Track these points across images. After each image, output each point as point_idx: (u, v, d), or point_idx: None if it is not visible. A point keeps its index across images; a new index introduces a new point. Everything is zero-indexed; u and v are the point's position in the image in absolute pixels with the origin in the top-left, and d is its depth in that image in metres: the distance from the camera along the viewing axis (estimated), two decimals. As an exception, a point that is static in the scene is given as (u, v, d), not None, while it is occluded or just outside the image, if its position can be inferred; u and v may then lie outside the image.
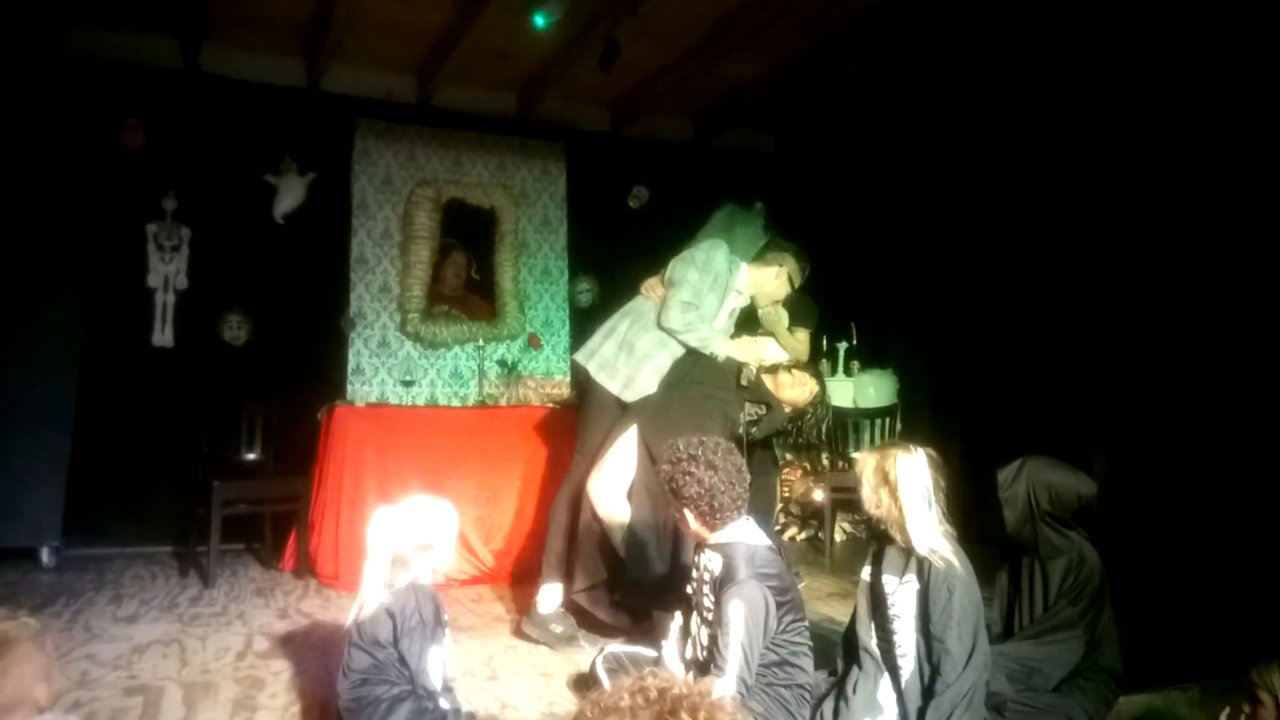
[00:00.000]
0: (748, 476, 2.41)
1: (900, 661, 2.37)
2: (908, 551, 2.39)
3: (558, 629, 3.36)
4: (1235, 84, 4.33)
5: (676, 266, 3.58)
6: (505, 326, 5.95)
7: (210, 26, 5.12)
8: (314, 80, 5.62)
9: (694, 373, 3.46)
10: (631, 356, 3.48)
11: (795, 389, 3.63)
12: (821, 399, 3.79)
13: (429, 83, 5.79)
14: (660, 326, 3.49)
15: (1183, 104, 4.57)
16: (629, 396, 3.44)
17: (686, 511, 2.39)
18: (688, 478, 2.35)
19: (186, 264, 5.29)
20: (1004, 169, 5.55)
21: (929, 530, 2.36)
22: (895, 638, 2.38)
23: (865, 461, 2.48)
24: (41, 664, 1.68)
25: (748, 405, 3.59)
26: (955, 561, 2.34)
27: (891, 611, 2.39)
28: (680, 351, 3.49)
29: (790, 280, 3.78)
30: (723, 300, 3.62)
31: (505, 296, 6.02)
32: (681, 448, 2.41)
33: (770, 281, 3.76)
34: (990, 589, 2.79)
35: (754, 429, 3.66)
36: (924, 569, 2.34)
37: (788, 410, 3.70)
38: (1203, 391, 4.46)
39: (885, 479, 2.39)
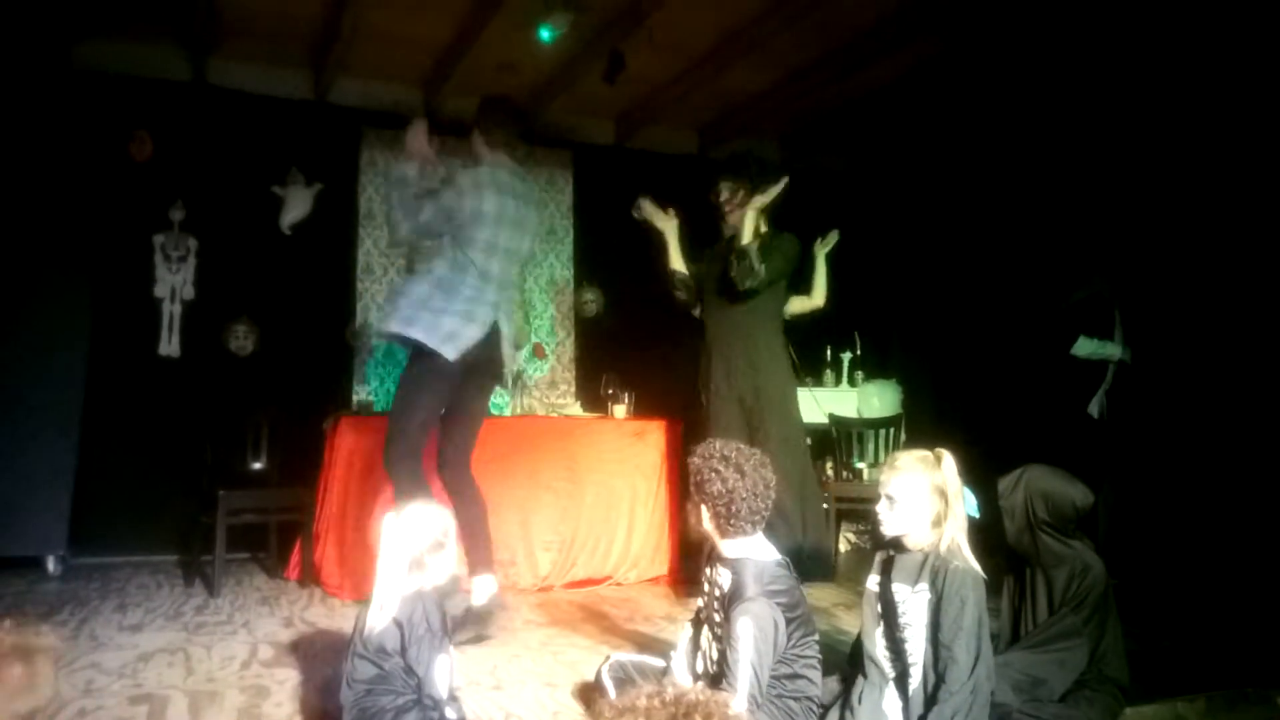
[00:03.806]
0: (773, 495, 2.41)
1: (911, 671, 2.37)
2: (922, 561, 2.39)
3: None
4: (1238, 102, 4.34)
5: None
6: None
7: (218, 39, 5.16)
8: (321, 92, 5.67)
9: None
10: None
11: None
12: None
13: (435, 95, 5.83)
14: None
15: (1195, 119, 4.57)
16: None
17: (703, 508, 2.40)
18: (714, 474, 2.35)
19: (194, 274, 5.33)
20: (1009, 181, 5.56)
21: (963, 532, 2.37)
22: (906, 646, 2.37)
23: (913, 484, 2.39)
24: (44, 685, 1.56)
25: None
26: (973, 570, 2.34)
27: (902, 620, 2.39)
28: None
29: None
30: None
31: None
32: (717, 446, 2.42)
33: None
34: (994, 599, 2.79)
35: None
36: (938, 578, 2.34)
37: None
38: (1209, 401, 4.45)
39: (941, 492, 2.38)
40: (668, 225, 4.31)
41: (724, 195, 4.17)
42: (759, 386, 4.08)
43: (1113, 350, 4.85)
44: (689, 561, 4.62)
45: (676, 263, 4.33)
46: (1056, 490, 2.67)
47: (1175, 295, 4.67)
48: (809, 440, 5.13)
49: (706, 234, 4.57)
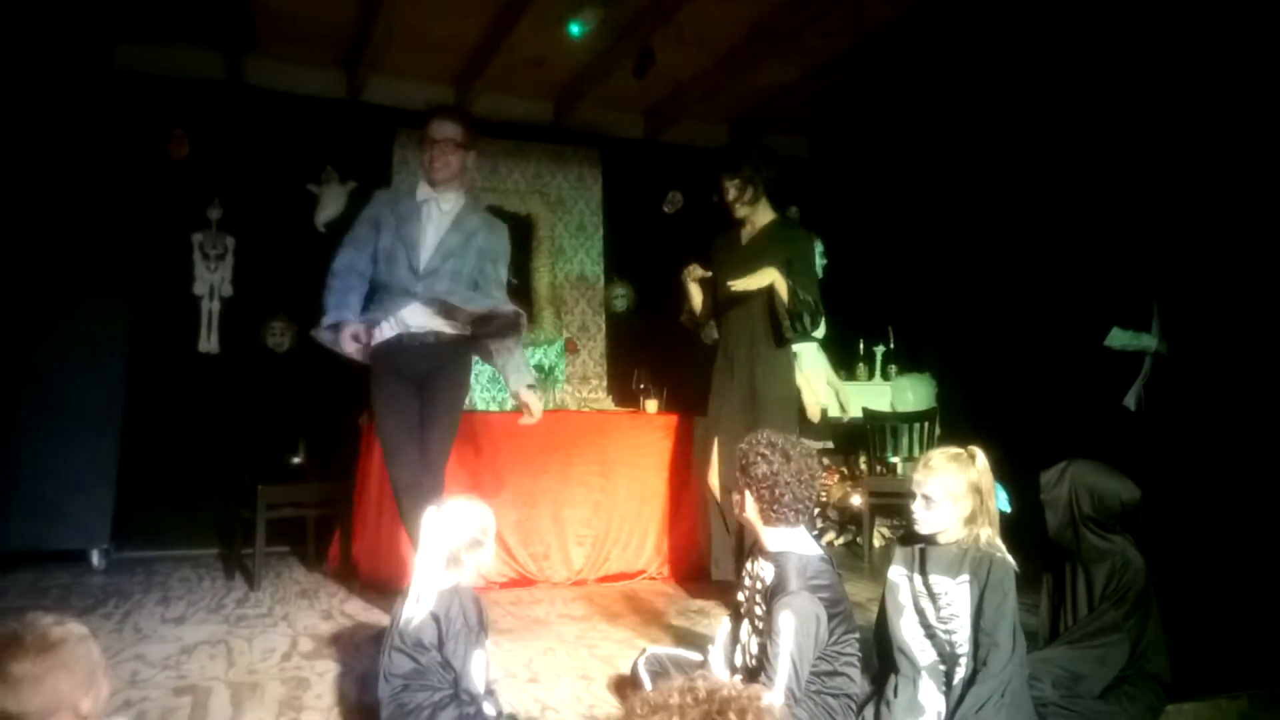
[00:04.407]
0: (817, 487, 2.42)
1: (961, 660, 2.36)
2: (960, 553, 2.38)
3: None
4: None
5: None
6: (542, 332, 6.01)
7: (254, 40, 5.22)
8: (354, 91, 5.72)
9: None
10: None
11: None
12: None
13: (466, 92, 5.86)
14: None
15: (1239, 106, 4.48)
16: None
17: (747, 494, 2.41)
18: (759, 458, 2.38)
19: (231, 272, 5.42)
20: (1043, 173, 5.48)
21: (996, 525, 2.40)
22: (954, 637, 2.37)
23: (949, 483, 2.38)
24: (85, 672, 1.58)
25: None
26: (1011, 562, 2.36)
27: (946, 612, 2.38)
28: None
29: None
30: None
31: (542, 302, 6.07)
32: (765, 434, 2.46)
33: None
34: (1031, 594, 2.77)
35: None
36: (980, 569, 2.34)
37: None
38: (1249, 392, 4.37)
39: (977, 489, 2.38)
40: (696, 284, 4.17)
41: (731, 195, 3.99)
42: (757, 384, 3.94)
43: (1147, 342, 4.78)
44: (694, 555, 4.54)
45: (696, 302, 4.19)
46: (1102, 485, 2.65)
47: (1215, 285, 4.59)
48: (831, 443, 5.11)
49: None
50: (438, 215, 3.52)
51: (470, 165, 3.65)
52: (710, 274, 4.07)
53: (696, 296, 4.17)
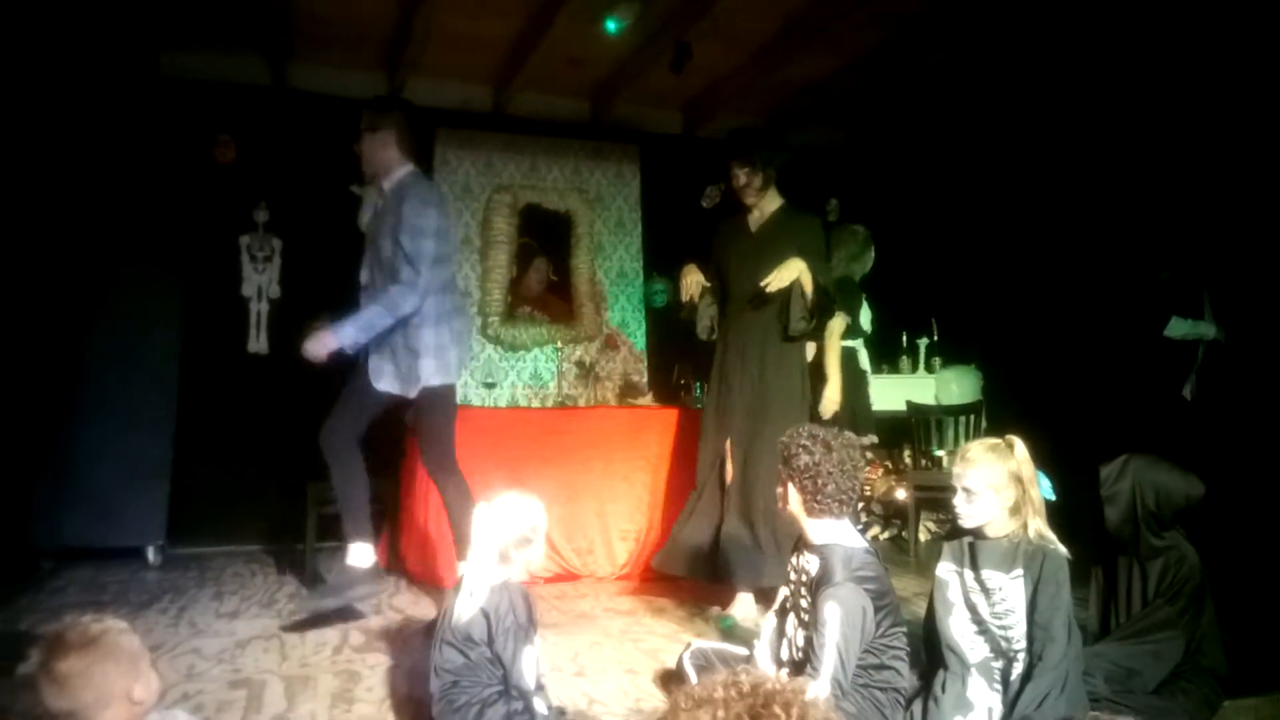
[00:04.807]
0: (860, 477, 2.42)
1: (1018, 655, 2.34)
2: (1012, 547, 2.36)
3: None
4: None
5: None
6: (583, 328, 6.03)
7: (296, 45, 5.30)
8: (395, 92, 5.77)
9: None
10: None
11: None
12: None
13: (504, 91, 5.90)
14: None
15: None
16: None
17: (790, 486, 2.41)
18: (800, 449, 2.38)
19: (279, 274, 5.50)
20: (1087, 160, 5.39)
21: (1042, 515, 2.38)
22: (1009, 633, 2.35)
23: (989, 475, 2.37)
24: (129, 660, 1.65)
25: None
26: (1064, 553, 2.34)
27: (1000, 608, 2.36)
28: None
29: None
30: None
31: (582, 298, 6.09)
32: (806, 427, 2.47)
33: None
34: (1083, 588, 2.73)
35: None
36: (1034, 563, 2.32)
37: None
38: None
39: (1017, 479, 2.37)
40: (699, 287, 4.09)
41: (741, 181, 3.90)
42: (767, 382, 3.83)
43: (1206, 330, 4.69)
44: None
45: (694, 297, 4.09)
46: (1168, 482, 2.61)
47: (1265, 271, 4.48)
48: (875, 437, 5.05)
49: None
50: (381, 209, 3.46)
51: (385, 142, 3.55)
52: (711, 285, 4.00)
53: (695, 293, 4.04)
